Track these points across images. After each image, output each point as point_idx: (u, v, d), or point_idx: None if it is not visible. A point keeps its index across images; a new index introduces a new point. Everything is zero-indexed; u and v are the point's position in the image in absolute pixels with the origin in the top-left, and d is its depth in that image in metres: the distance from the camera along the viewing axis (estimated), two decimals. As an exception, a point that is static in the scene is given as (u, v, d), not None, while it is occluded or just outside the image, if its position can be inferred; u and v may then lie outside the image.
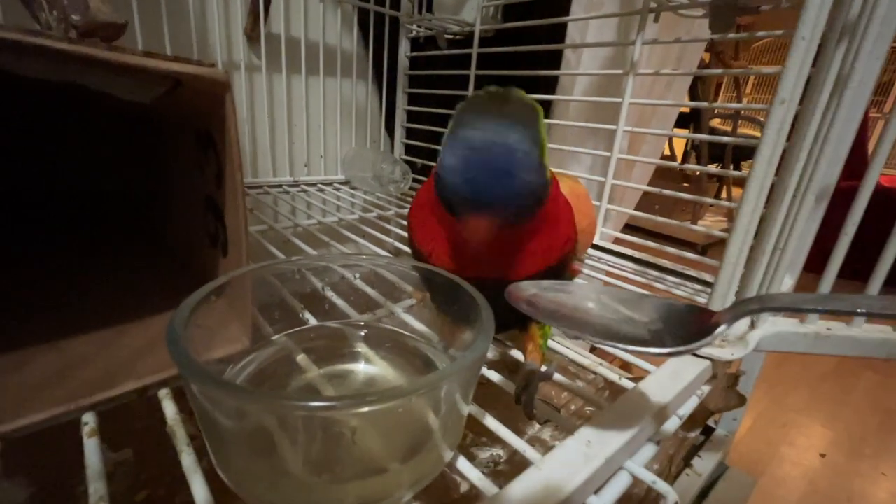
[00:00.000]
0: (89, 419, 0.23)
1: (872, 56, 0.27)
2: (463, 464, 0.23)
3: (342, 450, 0.18)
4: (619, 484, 0.23)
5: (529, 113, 0.23)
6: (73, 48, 0.19)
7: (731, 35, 0.47)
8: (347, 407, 0.16)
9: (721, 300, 0.30)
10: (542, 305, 0.23)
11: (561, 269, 0.28)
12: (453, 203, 0.23)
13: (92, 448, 0.22)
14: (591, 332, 0.21)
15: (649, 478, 0.23)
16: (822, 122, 0.28)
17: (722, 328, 0.19)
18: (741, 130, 2.55)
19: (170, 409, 0.25)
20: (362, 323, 0.30)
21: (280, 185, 0.75)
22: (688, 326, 0.20)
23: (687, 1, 0.49)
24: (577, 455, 0.21)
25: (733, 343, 0.31)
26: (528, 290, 0.24)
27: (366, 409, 0.16)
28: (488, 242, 0.23)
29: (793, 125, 0.28)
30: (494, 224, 0.22)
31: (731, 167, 2.21)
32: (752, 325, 0.32)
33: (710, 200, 0.55)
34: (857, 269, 0.40)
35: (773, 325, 0.31)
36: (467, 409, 0.21)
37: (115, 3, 0.32)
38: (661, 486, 0.22)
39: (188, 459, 0.22)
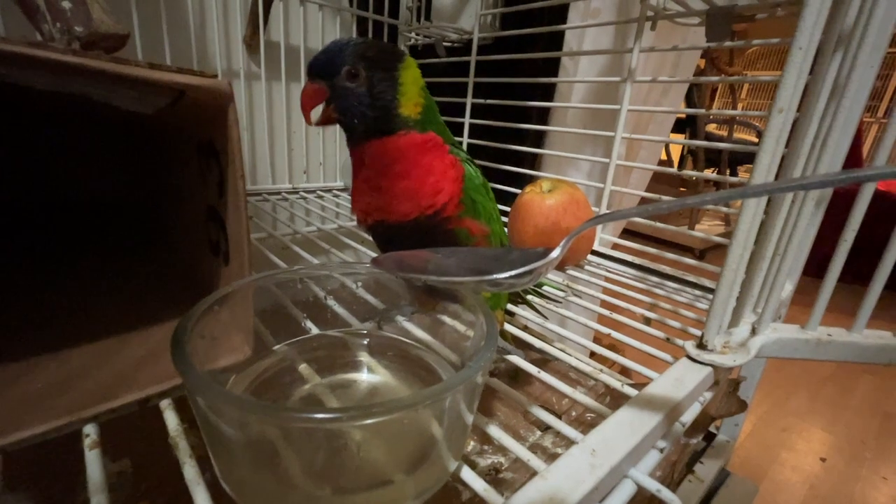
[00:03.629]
0: (90, 431, 0.23)
1: (868, 64, 0.27)
2: (467, 473, 0.22)
3: (347, 461, 0.18)
4: (624, 492, 0.22)
5: (391, 48, 0.31)
6: (77, 61, 0.19)
7: (728, 43, 0.48)
8: (352, 419, 0.16)
9: (722, 307, 0.30)
10: (389, 259, 0.26)
11: (440, 223, 0.31)
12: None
13: (93, 460, 0.22)
14: (429, 273, 0.23)
15: (654, 486, 0.23)
16: (820, 130, 0.28)
17: (557, 250, 0.21)
18: (737, 135, 2.57)
19: (171, 420, 0.25)
20: (364, 332, 0.30)
21: (279, 193, 0.75)
22: (537, 258, 0.22)
23: (683, 9, 0.50)
24: (582, 464, 0.21)
25: (735, 350, 0.31)
26: (391, 255, 0.28)
27: (371, 420, 0.16)
28: (308, 102, 0.28)
29: (791, 132, 0.28)
30: (314, 85, 0.28)
31: (728, 171, 2.23)
32: (754, 332, 0.32)
33: (708, 203, 0.56)
34: (856, 273, 0.40)
35: (775, 332, 0.31)
36: (471, 418, 0.21)
37: (115, 12, 0.32)
38: (666, 494, 0.22)
39: (191, 471, 0.21)
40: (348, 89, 0.29)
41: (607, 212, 0.58)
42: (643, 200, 0.67)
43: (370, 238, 0.36)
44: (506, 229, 0.54)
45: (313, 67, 0.28)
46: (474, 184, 0.33)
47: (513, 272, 0.21)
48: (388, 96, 0.30)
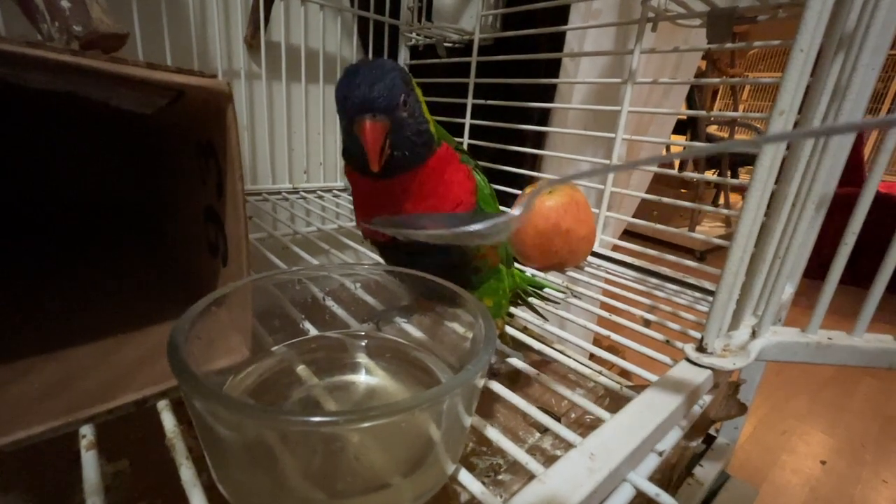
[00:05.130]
0: (87, 431, 0.23)
1: (869, 67, 0.27)
2: (465, 476, 0.22)
3: (344, 465, 0.17)
4: (623, 496, 0.22)
5: (400, 68, 0.28)
6: (76, 60, 0.19)
7: (729, 45, 0.48)
8: (350, 422, 0.16)
9: (722, 309, 0.30)
10: (380, 220, 0.27)
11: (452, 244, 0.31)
12: (345, 114, 0.26)
13: (90, 461, 0.22)
14: (413, 228, 0.25)
15: (652, 490, 0.23)
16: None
17: (520, 208, 0.23)
18: (738, 137, 2.57)
19: (168, 421, 0.24)
20: (363, 333, 0.30)
21: (279, 192, 0.75)
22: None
23: (684, 11, 0.50)
24: (581, 468, 0.21)
25: (735, 353, 0.30)
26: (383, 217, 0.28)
27: (368, 424, 0.16)
28: (377, 143, 0.25)
29: (792, 135, 0.28)
30: (378, 123, 0.25)
31: (729, 173, 2.23)
32: (754, 335, 0.32)
33: (708, 208, 0.56)
34: (858, 275, 0.40)
35: (775, 335, 0.31)
36: (469, 421, 0.21)
37: (116, 11, 0.32)
38: (665, 498, 0.22)
39: (187, 473, 0.21)
40: (405, 120, 0.27)
41: (617, 163, 0.58)
42: (643, 202, 0.67)
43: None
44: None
45: (377, 102, 0.25)
46: (484, 193, 0.33)
47: (484, 223, 0.22)
48: (424, 119, 0.29)
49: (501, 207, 0.28)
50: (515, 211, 0.23)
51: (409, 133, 0.27)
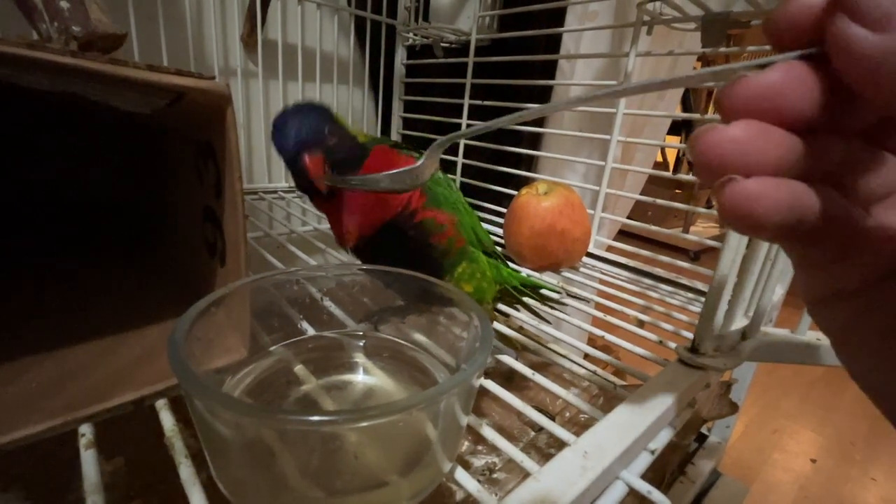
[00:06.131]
0: (86, 430, 0.23)
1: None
2: (461, 474, 0.23)
3: (342, 463, 0.18)
4: (616, 494, 0.23)
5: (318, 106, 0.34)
6: (75, 62, 0.19)
7: (723, 49, 0.48)
8: (348, 421, 0.16)
9: (713, 310, 0.31)
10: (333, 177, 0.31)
11: (410, 218, 0.34)
12: (288, 158, 0.32)
13: (89, 460, 0.22)
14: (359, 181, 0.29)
15: (645, 488, 0.23)
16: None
17: (425, 156, 0.26)
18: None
19: (167, 419, 0.25)
20: (360, 333, 0.30)
21: (275, 191, 0.75)
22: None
23: (679, 15, 0.50)
24: (574, 466, 0.22)
25: (726, 353, 0.31)
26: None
27: (366, 423, 0.16)
28: (319, 170, 0.31)
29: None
30: (314, 156, 0.31)
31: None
32: (745, 336, 0.32)
33: (702, 209, 0.56)
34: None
35: (766, 336, 0.32)
36: (466, 420, 0.21)
37: (111, 10, 0.32)
38: (657, 496, 0.23)
39: (186, 471, 0.22)
40: (334, 145, 0.33)
41: (620, 85, 0.59)
42: (638, 203, 0.67)
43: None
44: (501, 229, 0.54)
45: (308, 140, 0.31)
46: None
47: (398, 170, 0.26)
48: (350, 136, 0.35)
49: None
50: (422, 160, 0.26)
51: (340, 153, 0.33)
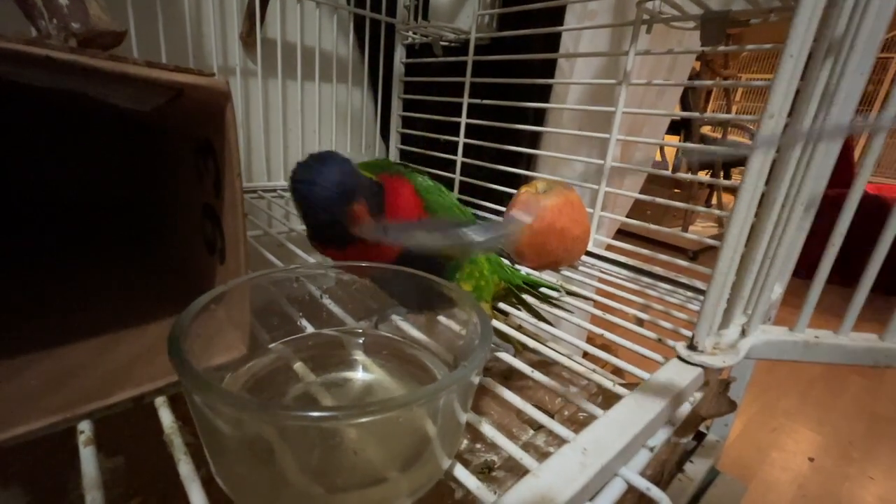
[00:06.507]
0: (85, 428, 0.23)
1: (857, 72, 0.27)
2: (460, 471, 0.23)
3: (342, 459, 0.18)
4: (615, 490, 0.23)
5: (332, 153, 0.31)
6: (75, 58, 0.19)
7: (722, 48, 0.48)
8: (348, 417, 0.16)
9: (712, 308, 0.31)
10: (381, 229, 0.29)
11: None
12: (330, 211, 0.29)
13: (88, 457, 0.22)
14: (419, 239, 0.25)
15: (643, 484, 0.23)
16: (810, 135, 0.29)
17: (527, 216, 0.23)
18: (731, 137, 2.59)
19: (166, 417, 0.25)
20: (360, 330, 0.30)
21: (275, 190, 0.75)
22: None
23: (678, 14, 0.50)
24: (573, 463, 0.22)
25: (725, 351, 0.31)
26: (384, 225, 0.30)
27: (366, 419, 0.16)
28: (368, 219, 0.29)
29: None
30: (360, 205, 0.29)
31: (721, 173, 2.25)
32: (743, 334, 0.32)
33: (701, 209, 0.56)
34: (848, 275, 0.40)
35: (764, 334, 0.32)
36: (465, 417, 0.21)
37: (111, 7, 0.32)
38: (655, 492, 0.23)
39: (186, 468, 0.22)
40: (367, 190, 0.31)
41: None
42: (637, 202, 0.67)
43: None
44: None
45: (352, 191, 0.29)
46: (424, 185, 0.37)
47: (487, 233, 0.23)
48: (368, 178, 0.33)
49: (488, 215, 0.30)
50: (523, 217, 0.24)
51: (371, 198, 0.31)
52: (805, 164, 0.29)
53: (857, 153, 2.56)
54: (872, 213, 0.52)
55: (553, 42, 0.66)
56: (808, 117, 0.28)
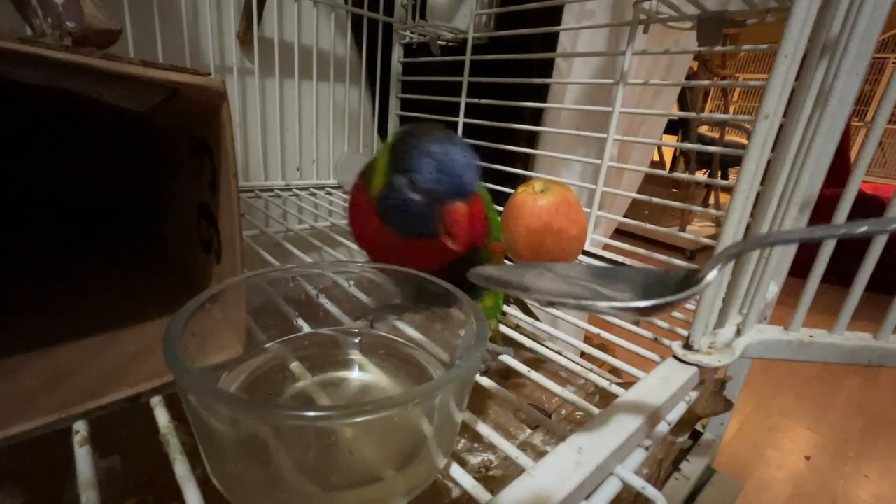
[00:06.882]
0: (81, 427, 0.23)
1: (852, 73, 0.28)
2: (456, 470, 0.23)
3: (337, 458, 0.18)
4: (610, 489, 0.23)
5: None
6: (70, 58, 0.19)
7: (718, 48, 0.48)
8: (343, 417, 0.16)
9: (708, 308, 0.31)
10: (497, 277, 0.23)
11: (466, 262, 0.28)
12: (437, 196, 0.27)
13: (83, 457, 0.22)
14: (547, 294, 0.19)
15: (639, 483, 0.23)
16: (805, 136, 0.29)
17: (713, 273, 0.18)
18: (728, 137, 2.59)
19: (162, 416, 0.25)
20: (356, 330, 0.30)
21: (272, 189, 0.75)
22: (672, 285, 0.18)
23: (675, 14, 0.50)
24: (569, 462, 0.22)
25: (720, 350, 0.31)
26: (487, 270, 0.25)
27: (362, 418, 0.16)
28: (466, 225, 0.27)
29: (777, 137, 0.29)
30: (464, 206, 0.27)
31: (719, 173, 2.25)
32: (739, 333, 0.33)
33: (698, 209, 0.57)
34: (844, 275, 0.40)
35: (759, 333, 0.32)
36: (461, 416, 0.21)
37: (106, 6, 0.32)
38: (651, 491, 0.23)
39: (181, 468, 0.22)
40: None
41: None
42: (634, 201, 0.68)
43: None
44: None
45: (470, 188, 0.27)
46: (488, 201, 0.34)
47: (678, 296, 0.17)
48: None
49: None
50: (710, 276, 0.18)
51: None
52: (800, 165, 0.29)
53: (853, 153, 2.57)
54: (869, 213, 0.52)
55: (550, 42, 0.67)
56: (802, 118, 0.28)
